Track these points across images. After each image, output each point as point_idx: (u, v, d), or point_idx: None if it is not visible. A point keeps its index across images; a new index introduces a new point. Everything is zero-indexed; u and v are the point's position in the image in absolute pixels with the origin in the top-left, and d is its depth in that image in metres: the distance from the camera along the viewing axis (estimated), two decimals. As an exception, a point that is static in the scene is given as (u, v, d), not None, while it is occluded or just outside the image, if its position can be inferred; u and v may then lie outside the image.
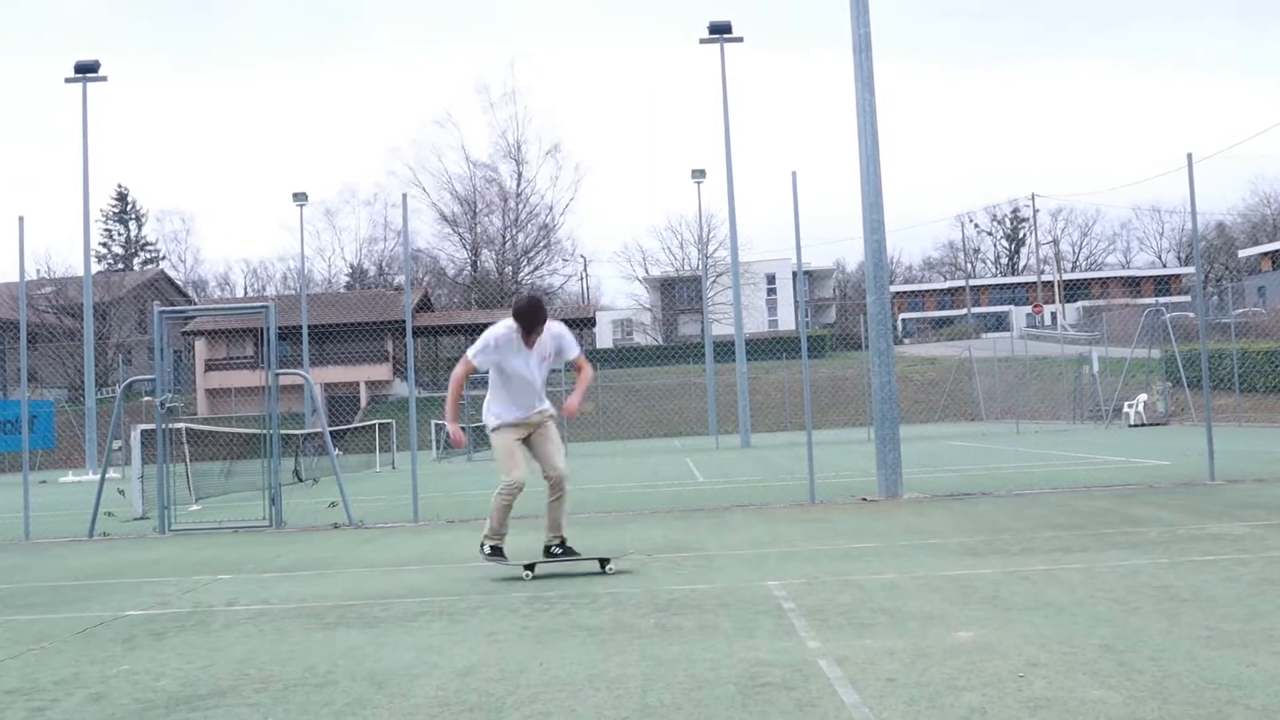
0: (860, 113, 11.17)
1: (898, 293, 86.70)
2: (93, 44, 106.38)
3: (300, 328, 39.70)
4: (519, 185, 69.42)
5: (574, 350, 6.99)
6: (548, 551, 6.93)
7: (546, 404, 6.99)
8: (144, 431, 13.55)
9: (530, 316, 6.61)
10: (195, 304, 63.53)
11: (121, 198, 79.37)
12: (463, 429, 7.39)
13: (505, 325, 6.74)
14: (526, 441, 6.90)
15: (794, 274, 76.85)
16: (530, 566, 6.80)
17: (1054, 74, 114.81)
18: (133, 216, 79.92)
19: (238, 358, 53.48)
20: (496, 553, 6.89)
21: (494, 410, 6.88)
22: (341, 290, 68.79)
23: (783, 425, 40.32)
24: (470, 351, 6.84)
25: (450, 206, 68.87)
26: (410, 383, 11.34)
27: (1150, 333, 32.32)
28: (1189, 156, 11.68)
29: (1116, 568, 6.03)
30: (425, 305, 59.83)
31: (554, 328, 6.82)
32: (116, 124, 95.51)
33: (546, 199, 70.07)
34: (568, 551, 6.93)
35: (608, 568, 6.77)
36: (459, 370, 6.88)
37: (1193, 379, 29.82)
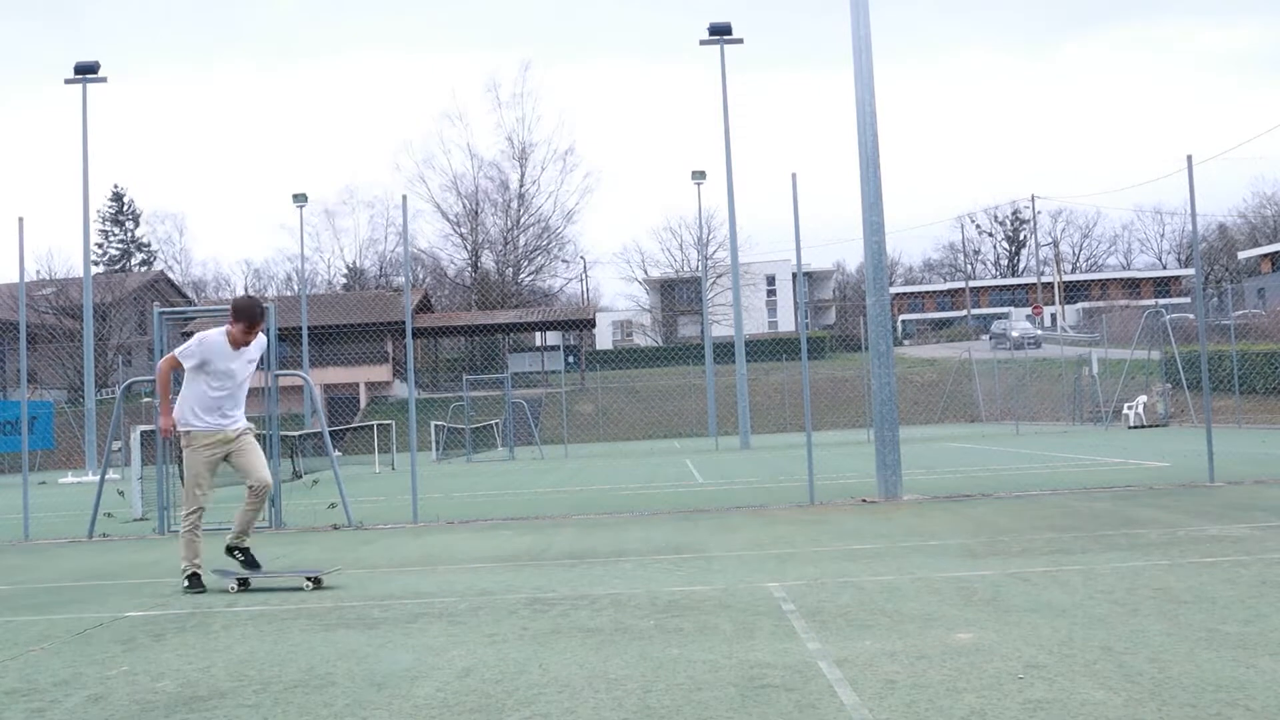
0: (860, 113, 11.17)
1: (897, 294, 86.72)
2: (93, 43, 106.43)
3: (300, 329, 39.70)
4: (522, 187, 69.48)
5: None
6: (229, 550, 6.93)
7: (243, 420, 6.96)
8: (144, 432, 13.54)
9: (250, 315, 6.69)
10: (195, 305, 63.52)
11: (118, 199, 79.40)
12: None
13: (218, 329, 6.80)
14: (226, 459, 6.85)
15: (794, 275, 76.87)
16: (244, 582, 6.79)
17: (1054, 74, 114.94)
18: (129, 218, 79.94)
19: (237, 359, 53.39)
20: (194, 582, 6.81)
21: (187, 412, 6.79)
22: (341, 291, 68.79)
23: (782, 427, 40.31)
24: (179, 349, 6.84)
25: (453, 206, 68.96)
26: (410, 384, 11.35)
27: (1150, 334, 32.33)
28: (1189, 158, 11.68)
29: (1116, 569, 6.03)
30: (425, 306, 59.84)
31: (261, 339, 6.91)
32: (116, 124, 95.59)
33: (550, 202, 70.11)
34: (250, 562, 6.90)
35: (309, 585, 6.66)
36: (166, 366, 6.89)
37: (1192, 380, 29.82)
